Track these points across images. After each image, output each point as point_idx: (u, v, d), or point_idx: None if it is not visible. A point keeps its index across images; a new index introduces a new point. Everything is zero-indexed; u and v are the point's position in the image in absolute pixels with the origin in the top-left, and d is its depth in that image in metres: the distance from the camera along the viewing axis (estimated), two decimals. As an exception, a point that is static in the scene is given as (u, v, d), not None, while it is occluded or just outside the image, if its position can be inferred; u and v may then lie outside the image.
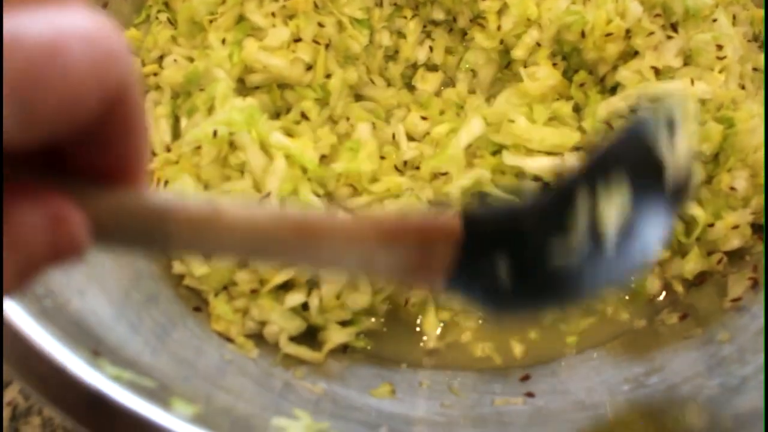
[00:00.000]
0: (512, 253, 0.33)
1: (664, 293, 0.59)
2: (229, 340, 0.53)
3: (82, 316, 0.44)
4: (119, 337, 0.45)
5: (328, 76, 0.61)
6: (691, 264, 0.58)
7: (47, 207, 0.22)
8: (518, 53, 0.62)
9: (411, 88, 0.66)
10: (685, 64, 0.60)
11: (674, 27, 0.60)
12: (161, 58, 0.63)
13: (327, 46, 0.61)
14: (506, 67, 0.64)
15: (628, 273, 0.36)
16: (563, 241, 0.33)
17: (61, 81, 0.20)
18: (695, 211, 0.57)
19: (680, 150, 0.36)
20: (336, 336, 0.54)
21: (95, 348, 0.41)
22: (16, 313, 0.39)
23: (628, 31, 0.60)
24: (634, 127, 0.36)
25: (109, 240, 0.25)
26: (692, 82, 0.58)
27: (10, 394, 0.59)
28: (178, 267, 0.55)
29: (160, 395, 0.39)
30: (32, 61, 0.20)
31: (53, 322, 0.40)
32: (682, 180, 0.36)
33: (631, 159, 0.35)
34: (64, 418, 0.37)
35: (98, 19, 0.22)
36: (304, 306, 0.54)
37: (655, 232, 0.35)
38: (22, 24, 0.20)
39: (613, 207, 0.33)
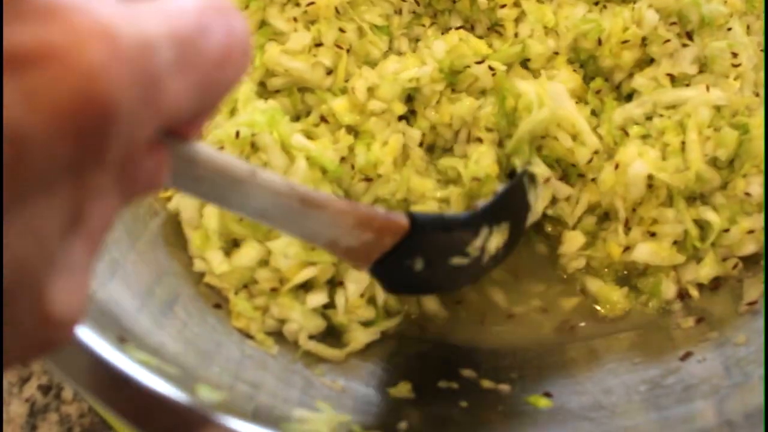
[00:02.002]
0: (428, 254, 0.46)
1: (679, 297, 0.59)
2: (250, 336, 0.53)
3: (108, 306, 0.45)
4: (142, 328, 0.46)
5: (348, 80, 0.62)
6: (707, 269, 0.58)
7: (158, 155, 0.24)
8: (535, 61, 0.63)
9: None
10: (701, 71, 0.61)
11: (689, 35, 0.61)
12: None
13: (348, 50, 0.62)
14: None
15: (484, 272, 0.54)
16: (464, 249, 0.50)
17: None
18: (710, 216, 0.57)
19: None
20: (360, 337, 0.54)
21: (121, 335, 0.41)
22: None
23: (644, 39, 0.61)
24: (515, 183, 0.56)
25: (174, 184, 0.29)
26: (708, 88, 0.59)
27: (29, 390, 0.60)
28: (198, 265, 0.56)
29: (185, 382, 0.40)
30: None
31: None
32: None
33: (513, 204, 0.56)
34: (93, 402, 0.37)
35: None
36: (325, 305, 0.54)
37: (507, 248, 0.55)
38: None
39: (496, 240, 0.52)
